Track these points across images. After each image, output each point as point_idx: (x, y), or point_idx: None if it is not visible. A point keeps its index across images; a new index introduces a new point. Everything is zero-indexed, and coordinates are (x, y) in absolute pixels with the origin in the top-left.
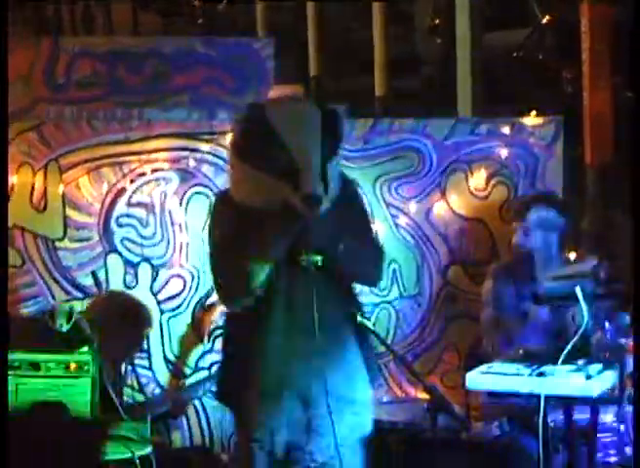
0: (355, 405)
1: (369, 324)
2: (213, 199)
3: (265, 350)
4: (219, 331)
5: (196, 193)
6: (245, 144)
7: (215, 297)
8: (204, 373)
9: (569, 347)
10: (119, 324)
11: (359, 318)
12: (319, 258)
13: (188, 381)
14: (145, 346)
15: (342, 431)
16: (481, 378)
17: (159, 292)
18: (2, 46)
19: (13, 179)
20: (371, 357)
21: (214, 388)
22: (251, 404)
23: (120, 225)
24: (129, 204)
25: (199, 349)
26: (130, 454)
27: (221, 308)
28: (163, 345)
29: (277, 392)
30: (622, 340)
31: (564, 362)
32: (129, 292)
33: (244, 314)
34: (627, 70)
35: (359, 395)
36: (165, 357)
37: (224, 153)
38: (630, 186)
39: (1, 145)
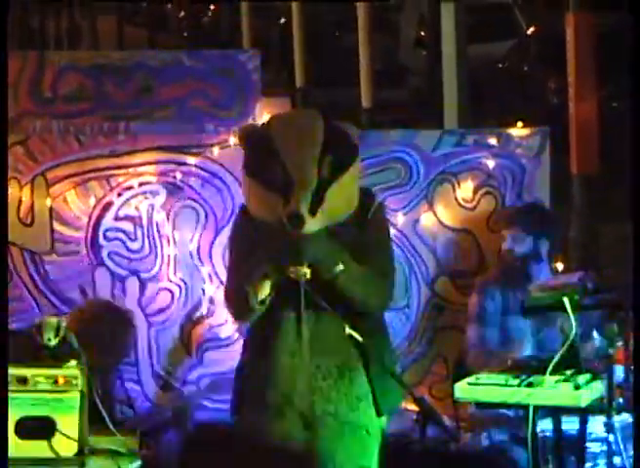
0: (358, 429)
1: (357, 336)
2: (238, 211)
3: (270, 368)
4: (207, 345)
5: (184, 206)
6: (248, 157)
7: (203, 311)
8: (192, 387)
9: (557, 357)
10: (102, 329)
11: (347, 329)
12: (307, 272)
13: (187, 390)
14: (134, 360)
15: (341, 456)
16: (469, 389)
17: (147, 305)
18: (2, 47)
19: None
20: (382, 380)
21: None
22: (252, 421)
23: (108, 239)
24: (116, 218)
25: (188, 363)
26: None
27: (209, 321)
28: (151, 359)
29: (279, 411)
30: (611, 350)
31: (552, 372)
32: (108, 299)
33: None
34: (613, 79)
35: (363, 419)
36: (153, 371)
37: (212, 166)
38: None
39: (1, 148)
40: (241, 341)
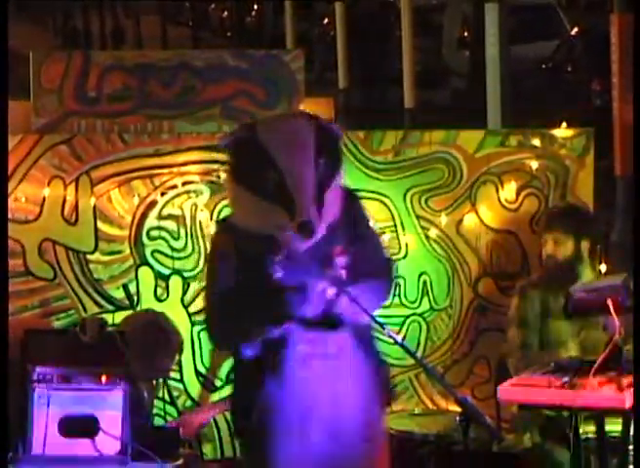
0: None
1: (397, 337)
2: (215, 229)
3: (286, 382)
4: None
5: (226, 205)
6: (237, 165)
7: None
8: (217, 397)
9: (600, 359)
10: (153, 347)
11: (386, 330)
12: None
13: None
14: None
15: (362, 460)
16: (513, 390)
17: (190, 304)
18: (2, 46)
19: (44, 193)
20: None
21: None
22: (275, 439)
23: (151, 238)
24: (160, 216)
25: (230, 361)
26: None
27: None
28: (194, 358)
29: (304, 424)
30: None
31: (596, 374)
32: (162, 311)
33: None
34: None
35: (377, 419)
36: (196, 369)
37: None
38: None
39: (1, 146)
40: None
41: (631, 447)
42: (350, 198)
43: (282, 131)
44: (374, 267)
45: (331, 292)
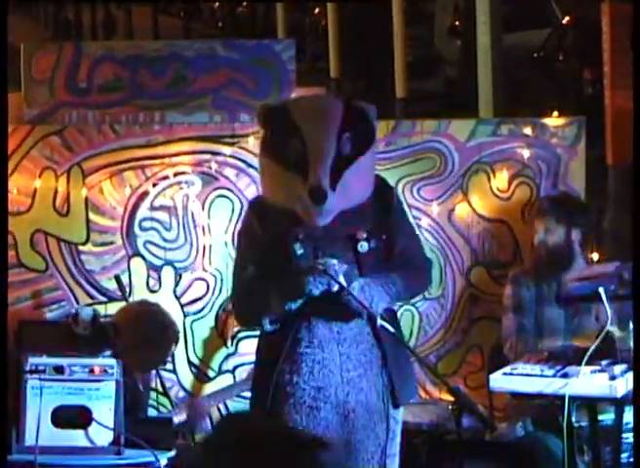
0: (387, 418)
1: (389, 326)
2: (247, 207)
3: (300, 363)
4: (242, 335)
5: (219, 196)
6: (266, 137)
7: None
8: (228, 376)
9: (593, 348)
10: (148, 339)
11: (379, 321)
12: (335, 262)
13: (206, 390)
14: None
15: (372, 446)
16: (505, 379)
17: (182, 295)
18: (2, 45)
19: (36, 184)
20: (400, 369)
21: (244, 393)
22: (286, 418)
23: (143, 229)
24: (152, 207)
25: (223, 352)
26: (153, 458)
27: None
28: (187, 348)
29: (314, 405)
30: None
31: (588, 362)
32: (157, 302)
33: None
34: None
35: (390, 408)
36: (189, 360)
37: (247, 156)
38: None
39: (1, 146)
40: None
41: (624, 435)
42: (384, 187)
43: (311, 105)
44: (406, 261)
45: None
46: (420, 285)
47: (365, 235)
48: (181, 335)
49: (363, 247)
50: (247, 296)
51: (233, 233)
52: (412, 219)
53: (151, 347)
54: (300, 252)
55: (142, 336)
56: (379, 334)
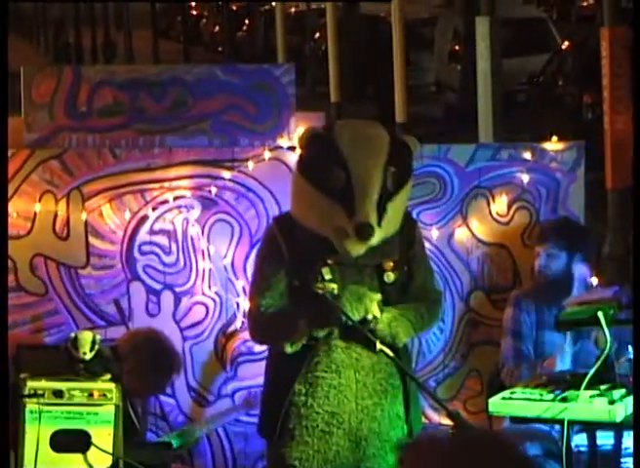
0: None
1: (389, 351)
2: (271, 223)
3: (316, 386)
4: (241, 359)
5: (218, 220)
6: (308, 160)
7: (237, 324)
8: (227, 401)
9: (592, 372)
10: (149, 366)
11: (378, 345)
12: (334, 287)
13: (205, 414)
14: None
15: None
16: (504, 404)
17: (182, 319)
18: (2, 45)
19: (35, 208)
20: (416, 399)
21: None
22: (297, 440)
23: (143, 253)
24: (151, 231)
25: (222, 376)
26: None
27: (243, 335)
28: (186, 372)
29: (327, 430)
30: None
31: (587, 387)
32: (162, 330)
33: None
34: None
35: (402, 437)
36: (188, 384)
37: (246, 180)
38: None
39: (1, 149)
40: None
41: (623, 460)
42: (411, 220)
43: (358, 134)
44: (423, 294)
45: (373, 306)
46: (435, 317)
47: (392, 266)
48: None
49: (390, 277)
50: (272, 320)
51: (233, 257)
52: (426, 249)
53: (152, 374)
54: (327, 277)
55: (145, 363)
56: (397, 364)
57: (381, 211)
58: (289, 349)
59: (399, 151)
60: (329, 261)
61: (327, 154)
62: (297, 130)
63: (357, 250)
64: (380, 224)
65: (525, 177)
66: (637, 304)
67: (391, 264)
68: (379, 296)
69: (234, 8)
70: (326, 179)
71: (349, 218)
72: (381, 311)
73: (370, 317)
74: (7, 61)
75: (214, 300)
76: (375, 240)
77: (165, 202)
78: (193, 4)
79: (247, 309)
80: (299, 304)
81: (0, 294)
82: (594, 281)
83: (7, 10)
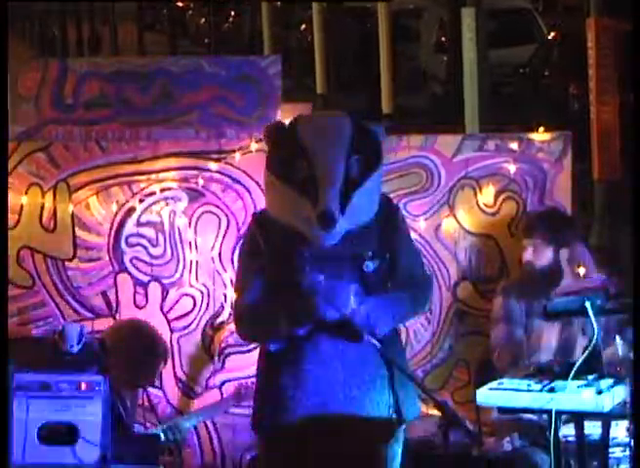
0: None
1: (376, 343)
2: (250, 220)
3: (303, 378)
4: (229, 350)
5: (205, 212)
6: (273, 155)
7: (224, 316)
8: (215, 392)
9: (579, 362)
10: (136, 356)
11: (365, 336)
12: (322, 277)
13: (193, 406)
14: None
15: (374, 463)
16: (492, 394)
17: (169, 311)
18: (2, 46)
19: (22, 200)
20: (404, 387)
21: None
22: (287, 432)
23: (130, 245)
24: (138, 223)
25: (210, 368)
26: None
27: (231, 327)
28: (173, 364)
29: (316, 421)
30: (632, 355)
31: (575, 377)
32: (147, 320)
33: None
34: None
35: (392, 426)
36: (176, 376)
37: (233, 171)
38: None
39: (1, 148)
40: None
41: (611, 450)
42: (390, 207)
43: (319, 125)
44: (408, 281)
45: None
46: (421, 304)
47: (370, 254)
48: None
49: (369, 266)
50: (253, 318)
51: (220, 249)
52: (411, 235)
53: (139, 365)
54: (304, 270)
55: (131, 354)
56: (384, 354)
57: (346, 199)
58: (272, 347)
59: (364, 139)
60: (305, 254)
61: (289, 147)
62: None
63: (327, 239)
64: (343, 212)
65: (512, 168)
66: (637, 302)
67: (369, 253)
68: (354, 288)
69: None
70: (291, 172)
71: (313, 208)
72: (361, 302)
73: (348, 310)
74: (7, 61)
75: (201, 292)
76: (341, 228)
77: (152, 194)
78: None
79: (237, 313)
80: (279, 301)
81: (0, 289)
82: (581, 271)
83: (7, 10)
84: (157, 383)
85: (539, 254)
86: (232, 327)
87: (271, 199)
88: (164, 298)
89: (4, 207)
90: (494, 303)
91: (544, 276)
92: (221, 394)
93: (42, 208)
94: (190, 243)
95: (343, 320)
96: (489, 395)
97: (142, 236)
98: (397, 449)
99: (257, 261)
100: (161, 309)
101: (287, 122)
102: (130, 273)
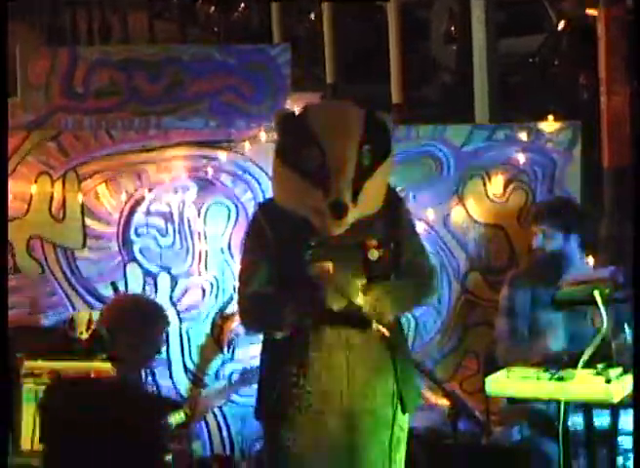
0: (392, 425)
1: (385, 331)
2: (255, 209)
3: (307, 366)
4: (238, 341)
5: (214, 202)
6: (283, 143)
7: (234, 307)
8: (224, 382)
9: (588, 352)
10: (136, 326)
11: (374, 324)
12: (330, 266)
13: (208, 389)
14: (165, 355)
15: (376, 451)
16: (501, 383)
17: (178, 301)
18: (2, 44)
19: (31, 189)
20: (407, 376)
21: (236, 397)
22: (291, 421)
23: (139, 235)
24: (147, 213)
25: (219, 358)
26: None
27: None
28: (183, 354)
29: (320, 410)
30: None
31: (584, 366)
32: (141, 294)
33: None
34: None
35: (396, 415)
36: (185, 366)
37: (242, 161)
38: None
39: (2, 147)
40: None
41: (620, 439)
42: (396, 197)
43: (331, 113)
44: (413, 270)
45: (356, 293)
46: (425, 295)
47: (375, 243)
48: (178, 341)
49: (373, 255)
50: (259, 308)
51: (229, 239)
52: (418, 228)
53: (145, 329)
54: (310, 259)
55: (130, 327)
56: (389, 342)
57: (357, 188)
58: (279, 335)
59: (375, 129)
60: (312, 243)
61: (301, 135)
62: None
63: (336, 229)
64: (355, 202)
65: (521, 158)
66: (637, 297)
67: (374, 242)
68: (362, 282)
69: None
70: (301, 161)
71: (325, 197)
72: (366, 292)
73: (355, 299)
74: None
75: (210, 283)
76: (351, 218)
77: (161, 183)
78: None
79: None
80: (285, 291)
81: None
82: (591, 261)
83: (7, 10)
84: (166, 373)
85: (547, 242)
86: None
87: (279, 187)
88: (173, 289)
89: (4, 207)
90: (501, 293)
91: (553, 262)
92: (231, 384)
93: (51, 197)
94: (199, 233)
95: (350, 308)
96: (498, 384)
97: (152, 226)
98: (401, 437)
99: (262, 251)
100: (170, 299)
101: (297, 110)
102: (139, 263)
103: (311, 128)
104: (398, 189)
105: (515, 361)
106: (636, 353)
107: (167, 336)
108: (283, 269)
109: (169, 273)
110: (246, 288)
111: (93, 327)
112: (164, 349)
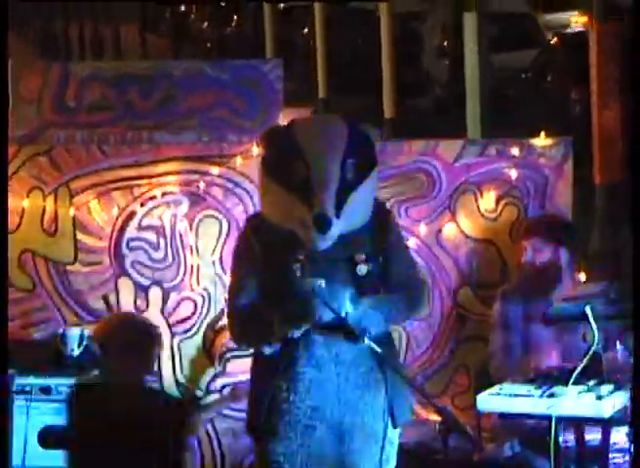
0: (382, 440)
1: (376, 347)
2: (244, 224)
3: (297, 381)
4: (230, 354)
5: (206, 216)
6: (269, 157)
7: (225, 320)
8: (215, 396)
9: (580, 368)
10: (129, 346)
11: (366, 340)
12: (322, 282)
13: (203, 402)
14: (156, 369)
15: (368, 466)
16: (492, 400)
17: (170, 315)
18: (2, 47)
19: (23, 204)
20: (398, 391)
21: (227, 411)
22: (281, 436)
23: (131, 249)
24: (139, 227)
25: (210, 372)
26: None
27: None
28: (174, 368)
29: (310, 425)
30: (633, 360)
31: (575, 382)
32: (135, 312)
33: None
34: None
35: (386, 430)
36: (176, 380)
37: (234, 176)
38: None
39: (1, 149)
40: None
41: (611, 455)
42: (383, 211)
43: (316, 128)
44: (402, 283)
45: (348, 298)
46: (415, 307)
47: (363, 258)
48: (169, 355)
49: (361, 270)
50: (247, 322)
51: (221, 253)
52: (407, 242)
53: (134, 351)
54: (299, 273)
55: (124, 342)
56: (379, 357)
57: (341, 202)
58: (267, 350)
59: (359, 143)
60: (299, 257)
61: (286, 149)
62: None
63: (321, 242)
64: (338, 215)
65: (513, 173)
66: (637, 307)
67: (363, 256)
68: (349, 293)
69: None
70: (287, 174)
71: (310, 211)
72: (354, 305)
73: (343, 313)
74: (7, 62)
75: (202, 296)
76: (336, 231)
77: (153, 198)
78: None
79: (226, 311)
80: (273, 305)
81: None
82: (582, 276)
83: (7, 10)
84: (158, 385)
85: (537, 257)
86: None
87: (266, 201)
88: (165, 302)
89: (4, 211)
90: (494, 308)
91: (543, 277)
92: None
93: (43, 211)
94: (191, 247)
95: (338, 322)
96: (489, 400)
97: (144, 240)
98: (391, 453)
99: (250, 265)
100: (162, 313)
101: (283, 125)
102: (131, 277)
103: (296, 142)
104: (387, 204)
105: (508, 377)
106: (635, 366)
107: (159, 357)
108: (272, 283)
109: (160, 287)
110: (235, 302)
111: (84, 342)
112: (154, 368)
